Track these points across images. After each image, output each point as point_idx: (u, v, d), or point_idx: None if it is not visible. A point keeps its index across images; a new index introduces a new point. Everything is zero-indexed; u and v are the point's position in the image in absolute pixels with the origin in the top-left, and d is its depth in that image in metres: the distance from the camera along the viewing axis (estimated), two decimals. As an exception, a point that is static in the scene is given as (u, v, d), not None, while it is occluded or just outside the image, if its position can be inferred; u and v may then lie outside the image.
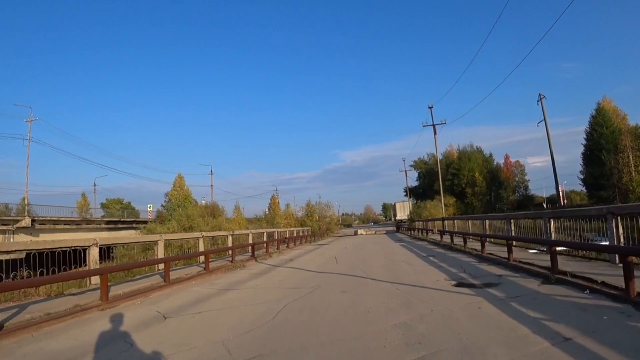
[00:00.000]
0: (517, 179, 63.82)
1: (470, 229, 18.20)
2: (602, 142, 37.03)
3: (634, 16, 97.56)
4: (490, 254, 10.72)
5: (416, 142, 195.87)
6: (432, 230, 25.24)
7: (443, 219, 25.87)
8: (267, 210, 64.02)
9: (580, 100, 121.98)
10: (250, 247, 15.79)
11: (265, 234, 22.65)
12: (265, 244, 18.20)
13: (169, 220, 30.41)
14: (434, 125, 30.33)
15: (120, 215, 47.25)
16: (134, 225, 38.95)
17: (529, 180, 64.46)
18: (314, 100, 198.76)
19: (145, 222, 37.98)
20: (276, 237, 23.83)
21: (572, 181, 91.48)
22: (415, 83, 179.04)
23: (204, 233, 15.31)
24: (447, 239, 18.37)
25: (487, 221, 15.65)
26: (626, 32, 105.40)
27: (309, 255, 16.45)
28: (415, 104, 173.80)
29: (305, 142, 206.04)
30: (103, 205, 62.85)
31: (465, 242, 13.86)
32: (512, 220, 12.48)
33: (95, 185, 66.56)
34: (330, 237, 40.25)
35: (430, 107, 30.46)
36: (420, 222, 35.57)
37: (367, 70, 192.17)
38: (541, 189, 74.12)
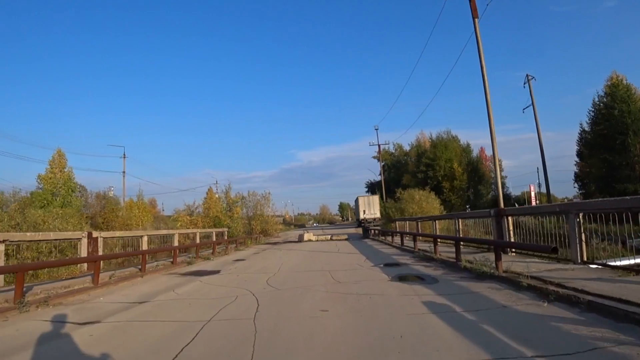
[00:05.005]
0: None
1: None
2: (626, 122, 29.30)
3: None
4: None
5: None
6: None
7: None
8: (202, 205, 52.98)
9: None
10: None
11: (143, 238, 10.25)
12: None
13: None
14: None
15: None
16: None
17: (506, 177, 57.96)
18: (272, 96, 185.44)
19: None
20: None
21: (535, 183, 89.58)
22: (371, 82, 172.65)
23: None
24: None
25: None
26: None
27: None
28: (372, 106, 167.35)
29: (262, 140, 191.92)
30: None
31: None
32: None
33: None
34: (259, 244, 24.89)
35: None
36: (405, 223, 21.11)
37: (329, 67, 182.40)
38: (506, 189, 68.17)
